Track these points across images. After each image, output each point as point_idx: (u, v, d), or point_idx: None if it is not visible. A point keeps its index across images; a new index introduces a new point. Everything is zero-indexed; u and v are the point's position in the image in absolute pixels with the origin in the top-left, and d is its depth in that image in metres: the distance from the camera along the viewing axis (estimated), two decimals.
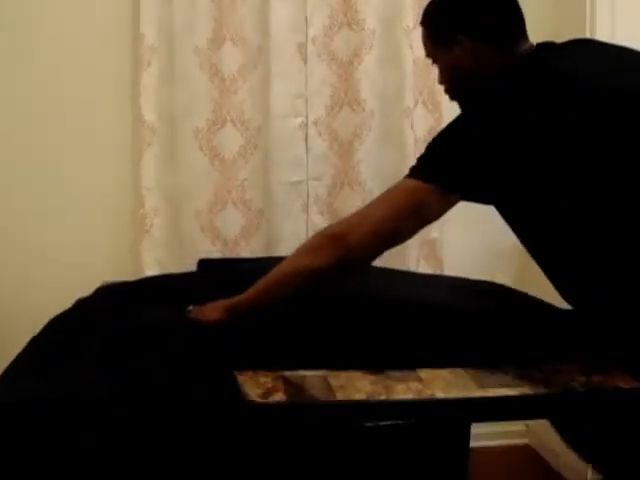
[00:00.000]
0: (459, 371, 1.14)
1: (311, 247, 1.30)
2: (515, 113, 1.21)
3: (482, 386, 1.09)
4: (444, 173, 1.22)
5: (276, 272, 1.32)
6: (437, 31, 1.43)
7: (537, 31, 2.43)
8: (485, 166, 1.20)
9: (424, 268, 2.33)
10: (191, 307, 1.36)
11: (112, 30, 2.28)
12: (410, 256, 2.32)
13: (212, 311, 1.32)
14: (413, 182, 1.24)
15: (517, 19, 1.41)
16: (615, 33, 2.28)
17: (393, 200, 1.26)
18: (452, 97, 1.48)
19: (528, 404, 1.07)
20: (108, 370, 1.03)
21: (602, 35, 2.28)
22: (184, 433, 0.93)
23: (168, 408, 0.95)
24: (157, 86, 2.25)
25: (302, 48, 2.27)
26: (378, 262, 2.35)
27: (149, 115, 2.24)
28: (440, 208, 1.25)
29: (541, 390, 1.08)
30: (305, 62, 2.28)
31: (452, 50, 1.40)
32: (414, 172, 1.26)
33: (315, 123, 2.30)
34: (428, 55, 1.48)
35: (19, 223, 2.29)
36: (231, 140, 2.28)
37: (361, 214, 1.30)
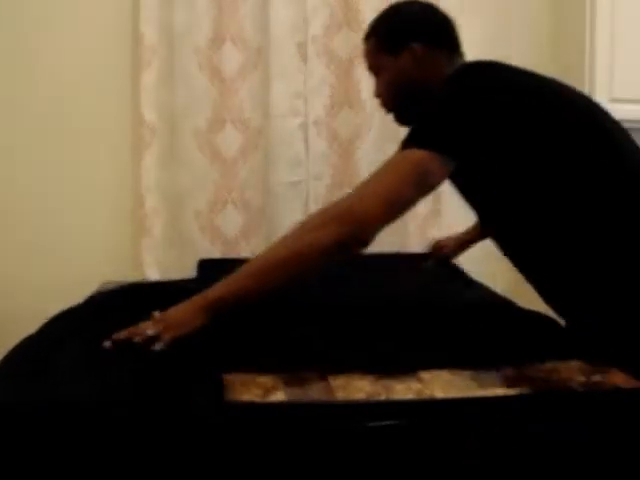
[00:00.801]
0: (459, 371, 1.14)
1: (315, 225, 1.22)
2: (490, 91, 1.27)
3: (482, 386, 1.09)
4: (437, 138, 1.23)
5: (272, 255, 1.22)
6: (389, 39, 1.46)
7: (537, 31, 2.43)
8: (474, 130, 1.23)
9: None
10: (156, 313, 1.19)
11: (112, 30, 2.28)
12: None
13: (188, 315, 1.17)
14: (412, 152, 1.24)
15: (456, 34, 1.49)
16: (615, 33, 2.29)
17: (396, 172, 1.24)
18: (390, 109, 1.52)
19: (528, 404, 1.07)
20: (89, 375, 1.03)
21: (602, 35, 2.28)
22: (174, 435, 0.93)
23: (156, 410, 0.95)
24: (157, 86, 2.25)
25: (302, 48, 2.28)
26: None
27: (149, 115, 2.24)
28: (441, 175, 1.25)
29: (541, 390, 1.08)
30: (305, 62, 2.28)
31: (402, 58, 1.44)
32: (408, 144, 1.25)
33: (315, 123, 2.31)
34: (371, 67, 1.51)
35: (19, 223, 2.29)
36: (231, 140, 2.29)
37: (364, 188, 1.25)
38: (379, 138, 2.31)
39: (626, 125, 2.39)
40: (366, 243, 1.23)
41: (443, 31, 1.48)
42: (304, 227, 1.24)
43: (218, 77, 2.26)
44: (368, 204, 1.21)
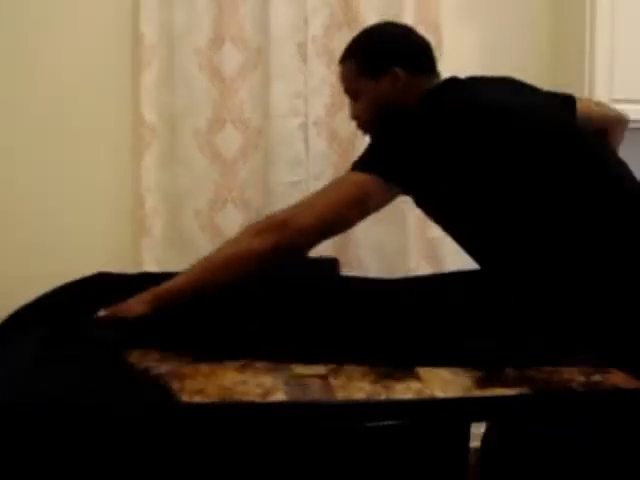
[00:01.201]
0: (459, 371, 1.15)
1: (253, 231, 1.32)
2: (441, 120, 1.32)
3: (482, 386, 1.09)
4: (384, 165, 1.29)
5: (214, 257, 1.34)
6: (370, 62, 1.48)
7: (537, 31, 2.43)
8: (418, 159, 1.29)
9: (424, 268, 2.32)
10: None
11: (112, 30, 2.28)
12: (410, 256, 2.32)
13: (133, 304, 1.31)
14: (356, 174, 1.31)
15: (433, 57, 1.52)
16: (615, 33, 2.29)
17: (337, 190, 1.32)
18: (367, 132, 1.53)
19: (528, 404, 1.07)
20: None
21: (602, 35, 2.28)
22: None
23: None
24: (157, 86, 2.25)
25: (302, 48, 2.28)
26: (376, 262, 2.34)
27: (149, 115, 2.24)
28: (380, 199, 1.31)
29: (541, 390, 1.08)
30: (305, 62, 2.28)
31: (383, 82, 1.46)
32: (357, 166, 1.32)
33: (315, 123, 2.31)
34: (349, 90, 1.53)
35: (19, 223, 2.29)
36: (231, 140, 2.29)
37: (306, 203, 1.34)
38: None
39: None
40: (299, 252, 1.33)
41: (422, 55, 1.50)
42: (246, 232, 1.34)
43: (218, 77, 2.26)
44: (304, 219, 1.29)
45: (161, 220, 2.29)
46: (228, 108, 2.27)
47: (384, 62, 1.46)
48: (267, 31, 2.24)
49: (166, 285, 1.33)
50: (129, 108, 2.29)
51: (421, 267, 2.33)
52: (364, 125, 1.54)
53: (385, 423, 0.99)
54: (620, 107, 2.18)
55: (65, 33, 2.27)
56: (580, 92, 2.27)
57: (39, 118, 2.27)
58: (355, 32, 2.27)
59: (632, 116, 2.31)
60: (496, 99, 1.38)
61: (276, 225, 1.30)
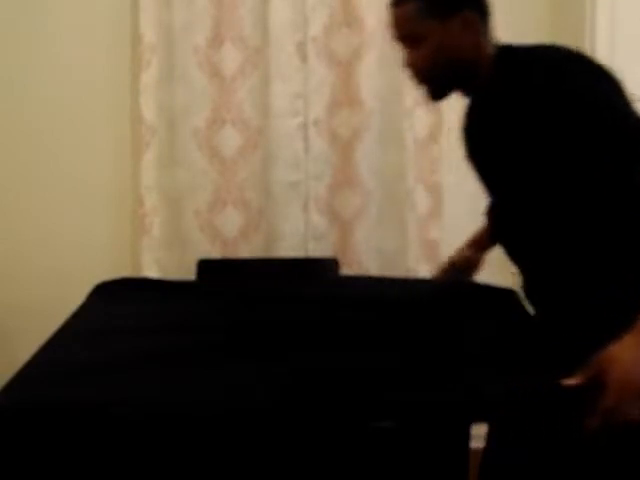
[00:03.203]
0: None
1: None
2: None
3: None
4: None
5: None
6: (439, 2, 1.31)
7: (537, 31, 2.43)
8: None
9: (424, 268, 2.32)
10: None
11: (112, 29, 2.28)
12: (410, 256, 2.32)
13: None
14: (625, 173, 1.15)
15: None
16: (615, 33, 2.29)
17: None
18: (425, 81, 1.38)
19: (528, 404, 1.07)
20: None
21: (602, 35, 2.28)
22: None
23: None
24: (156, 86, 2.25)
25: (302, 48, 2.28)
26: (376, 262, 2.33)
27: (148, 115, 2.24)
28: None
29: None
30: (305, 62, 2.28)
31: (451, 25, 1.31)
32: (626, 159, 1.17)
33: (314, 123, 2.31)
34: (409, 34, 1.34)
35: (19, 223, 2.29)
36: (231, 140, 2.29)
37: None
38: (379, 138, 2.31)
39: None
40: None
41: (488, 2, 1.35)
42: None
43: (217, 77, 2.26)
44: None
45: (160, 220, 2.29)
46: (227, 108, 2.27)
47: (454, 2, 1.30)
48: (267, 30, 2.24)
49: None
50: (128, 107, 2.29)
51: (421, 267, 2.33)
52: (423, 74, 1.36)
53: (385, 423, 0.99)
54: None
55: (65, 33, 2.27)
56: None
57: (39, 118, 2.27)
58: (355, 32, 2.29)
59: None
60: None
61: None
